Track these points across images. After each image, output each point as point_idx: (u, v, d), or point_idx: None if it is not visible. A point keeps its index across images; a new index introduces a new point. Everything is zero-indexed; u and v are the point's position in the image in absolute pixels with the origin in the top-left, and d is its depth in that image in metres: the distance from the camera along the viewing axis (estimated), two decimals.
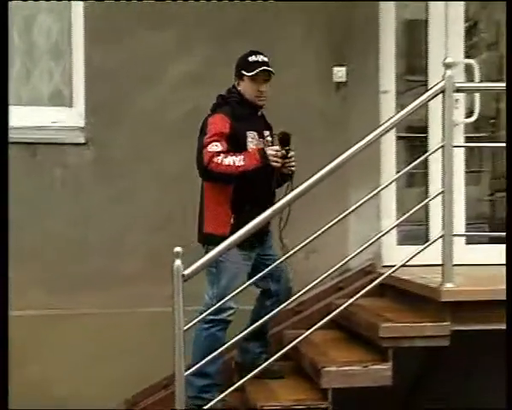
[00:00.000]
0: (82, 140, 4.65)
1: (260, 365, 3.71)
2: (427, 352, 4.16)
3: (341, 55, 4.77)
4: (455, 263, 3.80)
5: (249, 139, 3.90)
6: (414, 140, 5.34)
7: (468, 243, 4.93)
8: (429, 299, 3.89)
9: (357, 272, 4.71)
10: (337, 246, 4.43)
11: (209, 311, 3.63)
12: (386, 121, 3.90)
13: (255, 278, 3.73)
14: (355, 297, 3.81)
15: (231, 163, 3.75)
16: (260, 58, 3.94)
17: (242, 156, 3.78)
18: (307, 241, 3.61)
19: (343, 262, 3.82)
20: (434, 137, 4.74)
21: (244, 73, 3.94)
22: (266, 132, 4.03)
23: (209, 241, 3.81)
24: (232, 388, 3.62)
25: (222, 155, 3.76)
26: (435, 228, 4.48)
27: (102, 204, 4.64)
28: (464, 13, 5.08)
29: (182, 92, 4.68)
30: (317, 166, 3.65)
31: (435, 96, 3.78)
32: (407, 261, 3.83)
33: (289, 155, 3.84)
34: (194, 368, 3.52)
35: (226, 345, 3.63)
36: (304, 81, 4.73)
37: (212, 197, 3.92)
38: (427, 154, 4.09)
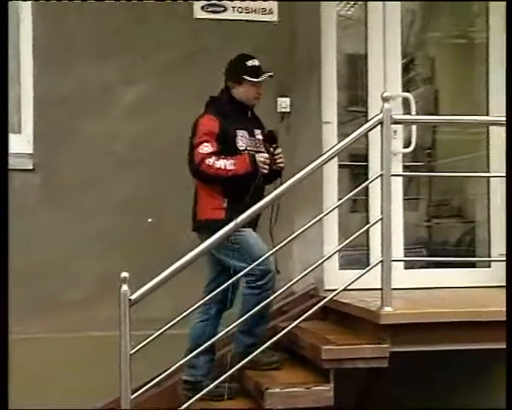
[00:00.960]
0: (30, 166, 4.68)
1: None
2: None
3: (285, 86, 4.89)
4: (394, 287, 3.92)
5: (239, 138, 4.02)
6: (356, 168, 5.48)
7: (407, 267, 5.11)
8: (369, 322, 4.00)
9: (300, 296, 4.79)
10: (282, 270, 4.51)
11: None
12: (328, 150, 4.04)
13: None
14: (298, 320, 3.92)
15: (222, 166, 3.89)
16: (257, 63, 4.11)
17: (233, 160, 3.91)
18: (252, 265, 3.72)
19: (287, 286, 3.95)
20: (374, 166, 4.86)
21: (247, 78, 4.06)
22: (257, 131, 4.14)
23: (206, 226, 3.91)
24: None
25: (213, 157, 3.90)
26: (375, 253, 4.57)
27: (50, 229, 4.66)
28: (402, 49, 5.28)
29: (128, 120, 4.75)
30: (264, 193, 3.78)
31: (374, 127, 3.93)
32: (348, 285, 3.95)
33: (276, 151, 3.99)
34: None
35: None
36: None
37: (203, 187, 4.03)
38: (367, 182, 4.25)
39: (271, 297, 3.90)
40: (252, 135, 4.10)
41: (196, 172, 3.97)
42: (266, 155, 3.98)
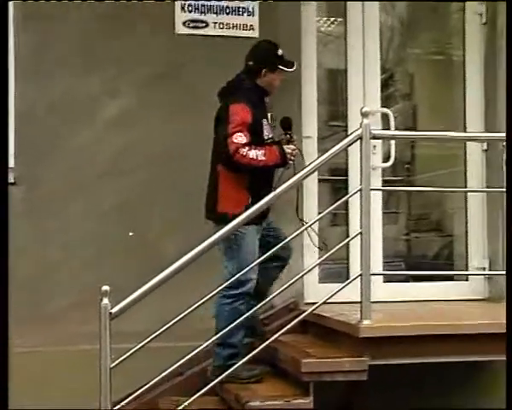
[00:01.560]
0: (11, 180, 4.67)
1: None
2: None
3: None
4: (373, 300, 3.95)
5: (264, 127, 4.14)
6: (336, 182, 5.52)
7: (386, 280, 5.16)
8: (348, 335, 4.03)
9: (280, 310, 4.80)
10: None
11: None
12: (308, 165, 4.06)
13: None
14: (278, 334, 3.94)
15: (254, 157, 3.97)
16: (281, 51, 4.19)
17: (263, 151, 4.00)
18: (232, 279, 3.75)
19: (267, 300, 3.99)
20: (354, 180, 4.93)
21: (283, 68, 4.16)
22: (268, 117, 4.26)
23: (225, 220, 3.90)
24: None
25: (247, 147, 3.96)
26: (355, 266, 4.62)
27: (32, 242, 4.65)
28: (381, 65, 5.34)
29: (112, 132, 4.77)
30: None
31: (354, 142, 3.97)
32: (328, 299, 3.98)
33: (293, 138, 4.12)
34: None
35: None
36: None
37: (229, 180, 4.06)
38: (347, 196, 4.30)
39: (252, 310, 3.93)
40: (268, 123, 4.20)
41: (229, 162, 3.99)
42: (293, 146, 4.09)
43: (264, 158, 3.99)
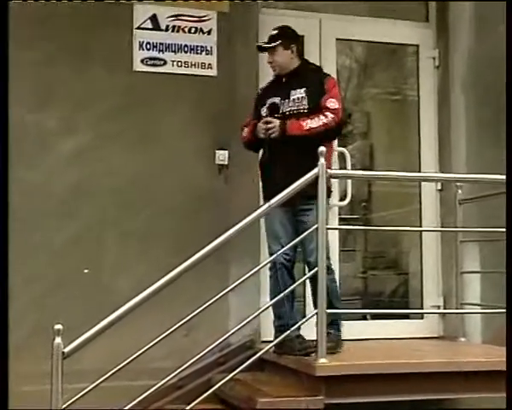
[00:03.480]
0: None
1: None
2: None
3: (224, 139, 4.97)
4: None
5: (266, 106, 4.50)
6: None
7: (343, 318, 5.16)
8: (305, 373, 4.04)
9: (237, 348, 4.78)
10: (218, 322, 4.54)
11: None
12: (262, 205, 4.12)
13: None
14: (235, 372, 3.92)
15: (243, 135, 4.57)
16: (267, 38, 4.49)
17: (247, 128, 4.55)
18: (188, 317, 3.71)
19: (223, 338, 3.95)
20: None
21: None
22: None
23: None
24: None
25: (244, 128, 4.56)
26: (311, 304, 4.62)
27: None
28: None
29: (66, 169, 4.74)
30: (200, 245, 3.79)
31: (310, 181, 3.96)
32: (285, 337, 4.00)
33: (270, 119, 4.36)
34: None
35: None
36: (188, 165, 4.90)
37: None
38: (304, 234, 4.30)
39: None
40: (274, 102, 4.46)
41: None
42: (268, 124, 4.31)
43: (244, 134, 4.51)
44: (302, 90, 4.35)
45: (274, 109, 4.39)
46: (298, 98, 4.34)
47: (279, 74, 4.50)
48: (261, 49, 4.55)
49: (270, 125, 4.27)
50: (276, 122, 4.26)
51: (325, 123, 4.20)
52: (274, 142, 4.29)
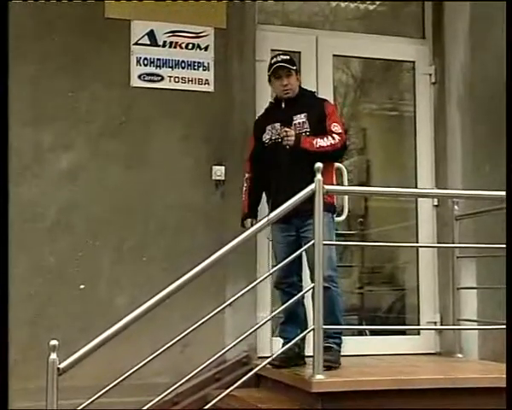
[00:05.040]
0: None
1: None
2: None
3: (220, 154, 4.97)
4: None
5: (267, 131, 4.59)
6: None
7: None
8: (301, 390, 4.01)
9: (233, 364, 4.77)
10: (214, 338, 4.52)
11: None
12: (262, 218, 4.11)
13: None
14: (231, 388, 3.91)
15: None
16: (280, 58, 4.54)
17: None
18: (184, 333, 3.71)
19: (220, 354, 3.94)
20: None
21: (268, 75, 4.58)
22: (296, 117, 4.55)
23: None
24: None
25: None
26: (309, 320, 4.64)
27: None
28: None
29: (61, 186, 4.73)
30: (197, 260, 3.79)
31: (307, 197, 3.96)
32: (281, 353, 3.99)
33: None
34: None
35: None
36: (184, 180, 4.90)
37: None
38: (300, 250, 4.30)
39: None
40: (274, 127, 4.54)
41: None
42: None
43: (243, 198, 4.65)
44: (303, 115, 4.48)
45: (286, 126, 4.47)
46: (299, 123, 4.46)
47: (278, 99, 4.60)
48: (281, 68, 4.51)
49: (288, 133, 4.37)
50: (293, 132, 4.38)
51: (333, 144, 4.39)
52: (282, 157, 4.42)
